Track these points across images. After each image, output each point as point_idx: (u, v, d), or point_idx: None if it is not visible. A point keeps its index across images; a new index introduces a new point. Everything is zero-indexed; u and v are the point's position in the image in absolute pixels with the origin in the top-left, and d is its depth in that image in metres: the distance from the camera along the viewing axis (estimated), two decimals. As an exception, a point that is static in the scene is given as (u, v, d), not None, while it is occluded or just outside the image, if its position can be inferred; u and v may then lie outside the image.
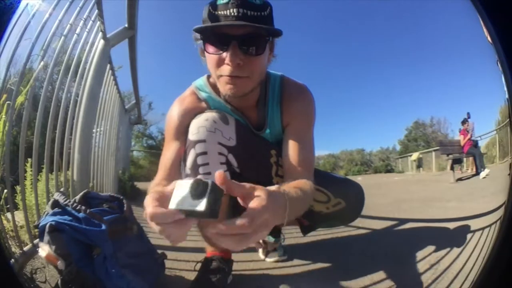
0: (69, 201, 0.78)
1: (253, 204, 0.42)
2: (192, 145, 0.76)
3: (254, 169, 0.82)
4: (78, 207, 0.76)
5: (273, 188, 0.50)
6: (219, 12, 0.66)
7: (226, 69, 0.69)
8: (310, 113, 0.85)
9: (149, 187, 0.75)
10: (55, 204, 0.78)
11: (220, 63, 0.70)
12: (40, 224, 0.74)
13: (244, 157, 0.81)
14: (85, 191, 0.86)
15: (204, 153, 0.76)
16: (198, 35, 0.73)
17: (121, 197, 0.90)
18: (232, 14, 0.65)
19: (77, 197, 0.82)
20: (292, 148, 0.79)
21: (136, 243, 0.85)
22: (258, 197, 0.43)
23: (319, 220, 0.93)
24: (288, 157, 0.78)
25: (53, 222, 0.71)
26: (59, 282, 0.70)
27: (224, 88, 0.74)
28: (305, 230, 1.02)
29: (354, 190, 0.95)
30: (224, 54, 0.68)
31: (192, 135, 0.77)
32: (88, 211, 0.75)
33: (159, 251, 0.90)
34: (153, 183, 0.76)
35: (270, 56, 0.78)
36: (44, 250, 0.69)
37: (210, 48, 0.70)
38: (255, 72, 0.72)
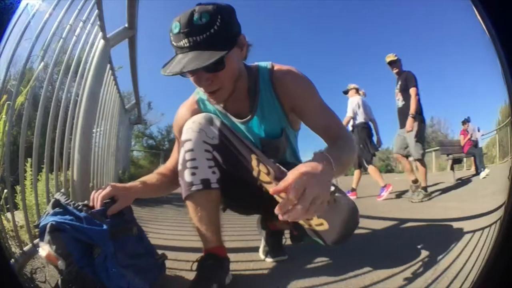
0: (71, 201, 0.78)
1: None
2: (182, 144, 0.87)
3: (237, 167, 0.88)
4: (79, 207, 0.76)
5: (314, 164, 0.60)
6: (176, 44, 0.73)
7: (200, 87, 0.79)
8: (306, 86, 0.89)
9: (159, 168, 1.01)
10: (56, 203, 0.78)
11: (195, 82, 0.78)
12: (41, 224, 0.73)
13: (227, 155, 0.88)
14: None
15: (191, 150, 0.85)
16: None
17: None
18: (185, 45, 0.72)
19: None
20: (312, 120, 0.88)
21: (136, 244, 0.85)
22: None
23: (304, 233, 0.88)
24: (315, 127, 0.87)
25: (53, 222, 0.70)
26: (59, 282, 0.70)
27: (208, 100, 0.87)
28: (293, 239, 1.00)
29: (342, 214, 0.79)
30: (193, 78, 0.77)
31: (183, 135, 0.88)
32: (89, 211, 0.75)
33: (160, 252, 0.90)
34: (163, 166, 1.01)
35: (242, 51, 0.83)
36: (45, 249, 0.69)
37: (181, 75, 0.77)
38: (224, 83, 0.79)
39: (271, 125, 0.93)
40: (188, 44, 0.71)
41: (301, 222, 0.85)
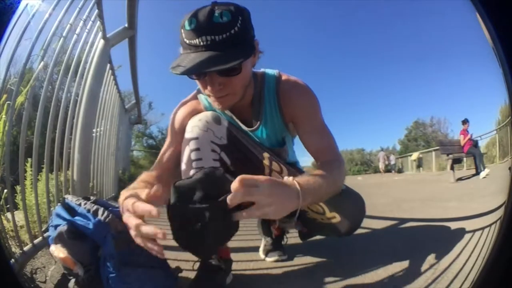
0: (92, 206, 0.77)
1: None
2: (187, 142, 0.83)
3: (247, 168, 0.85)
4: (103, 213, 0.74)
5: (281, 180, 0.60)
6: (190, 41, 0.67)
7: (210, 91, 0.74)
8: (311, 102, 0.86)
9: (142, 176, 0.82)
10: (76, 205, 0.78)
11: (203, 86, 0.74)
12: (54, 223, 0.73)
13: (237, 156, 0.85)
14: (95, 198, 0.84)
15: (197, 149, 0.81)
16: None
17: None
18: (201, 44, 0.65)
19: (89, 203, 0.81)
20: (308, 139, 0.84)
21: (150, 257, 0.82)
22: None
23: (314, 228, 0.93)
24: (309, 147, 0.84)
25: (73, 226, 0.70)
26: (71, 284, 0.71)
27: (213, 104, 0.80)
28: (303, 237, 1.03)
29: (352, 205, 0.88)
30: (204, 80, 0.72)
31: (187, 133, 0.83)
32: (110, 215, 0.74)
33: (175, 266, 0.86)
34: (146, 173, 0.83)
35: (255, 58, 0.79)
36: (62, 252, 0.68)
37: (192, 75, 0.73)
38: (236, 88, 0.75)
39: (274, 134, 0.91)
40: (204, 43, 0.65)
41: (314, 216, 0.87)
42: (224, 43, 0.65)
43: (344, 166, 0.80)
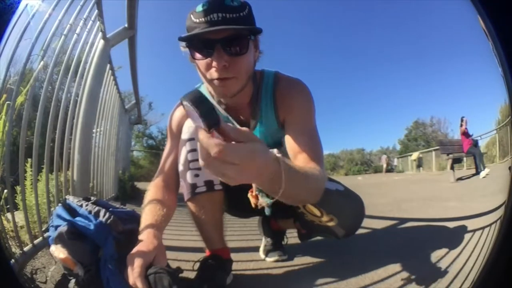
0: (94, 207, 0.76)
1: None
2: (183, 143, 0.83)
3: None
4: (104, 214, 0.74)
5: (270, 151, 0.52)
6: (200, 19, 0.69)
7: (214, 72, 0.72)
8: (306, 104, 0.85)
9: (150, 185, 0.86)
10: (76, 205, 0.78)
11: (208, 67, 0.73)
12: (54, 224, 0.73)
13: None
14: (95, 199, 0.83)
15: (194, 150, 0.80)
16: (184, 44, 0.75)
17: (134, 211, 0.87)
18: (212, 19, 0.68)
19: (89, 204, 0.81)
20: (294, 140, 0.80)
21: None
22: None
23: (313, 229, 0.93)
24: (291, 150, 0.80)
25: (74, 227, 0.70)
26: (71, 284, 0.71)
27: (215, 90, 0.78)
28: (302, 238, 1.04)
29: (349, 208, 0.86)
30: (210, 59, 0.71)
31: (184, 134, 0.83)
32: (112, 216, 0.74)
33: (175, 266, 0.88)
34: (152, 182, 0.87)
35: (256, 53, 0.80)
36: (62, 252, 0.68)
37: (197, 55, 0.73)
38: (241, 71, 0.74)
39: (270, 135, 0.90)
40: (216, 19, 0.67)
41: (312, 218, 0.85)
42: (234, 20, 0.68)
43: (324, 180, 0.73)
